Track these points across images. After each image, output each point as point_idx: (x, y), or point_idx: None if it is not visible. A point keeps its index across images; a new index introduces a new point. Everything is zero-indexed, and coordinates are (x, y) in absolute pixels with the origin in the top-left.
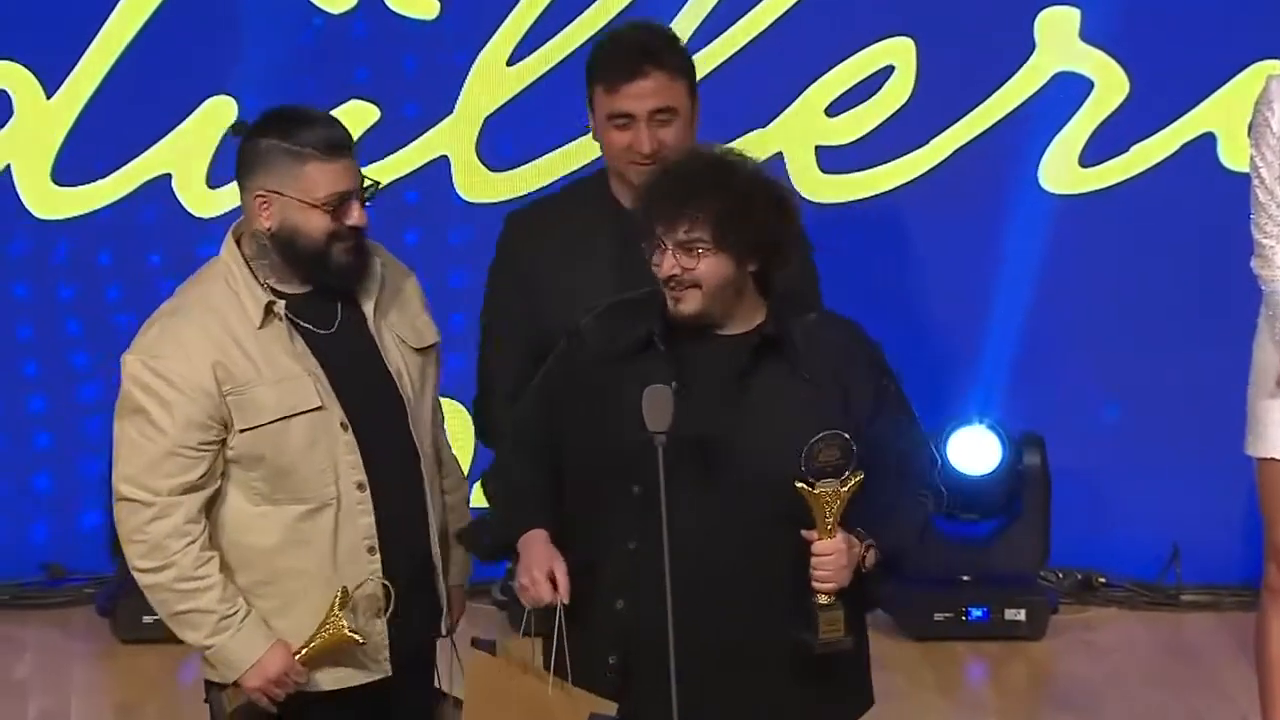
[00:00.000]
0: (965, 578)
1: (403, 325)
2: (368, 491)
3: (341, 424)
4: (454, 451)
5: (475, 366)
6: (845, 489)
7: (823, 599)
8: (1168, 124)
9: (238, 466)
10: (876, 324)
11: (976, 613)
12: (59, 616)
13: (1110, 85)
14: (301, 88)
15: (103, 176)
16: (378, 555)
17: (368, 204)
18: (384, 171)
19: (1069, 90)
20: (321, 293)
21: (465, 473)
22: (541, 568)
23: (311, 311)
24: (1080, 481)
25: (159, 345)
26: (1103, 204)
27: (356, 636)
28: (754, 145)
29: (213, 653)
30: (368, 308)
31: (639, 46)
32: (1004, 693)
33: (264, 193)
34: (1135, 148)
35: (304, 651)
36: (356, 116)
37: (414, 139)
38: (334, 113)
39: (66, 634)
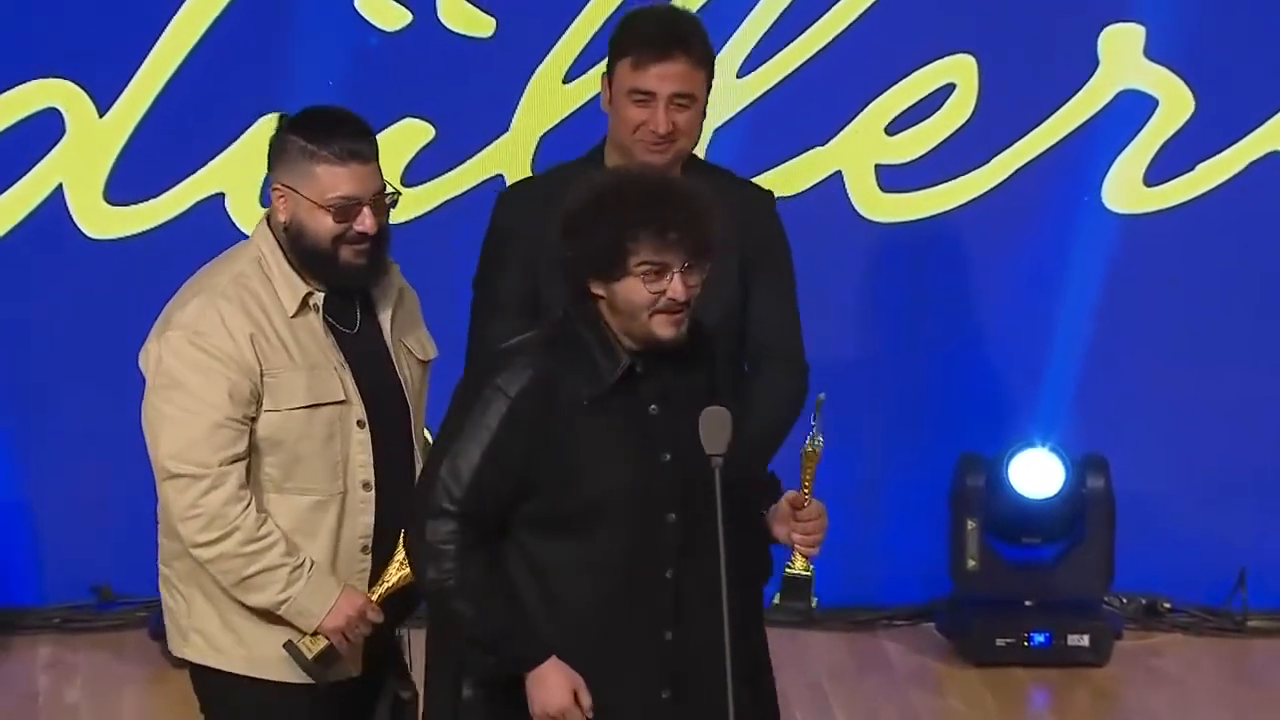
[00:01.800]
0: (1028, 602)
1: (411, 338)
2: (373, 491)
3: (359, 422)
4: None
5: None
6: (815, 449)
7: (800, 566)
8: (1234, 142)
9: (255, 450)
10: (936, 345)
11: (1039, 638)
12: (111, 640)
13: (1175, 103)
14: (356, 105)
15: (155, 196)
16: (369, 556)
17: (392, 206)
18: (439, 191)
19: (1133, 108)
20: (342, 295)
21: None
22: (565, 696)
23: (334, 311)
24: (1145, 504)
25: (200, 321)
26: (1167, 223)
27: None
28: (813, 164)
29: (289, 605)
30: (384, 317)
31: (672, 28)
32: (1066, 719)
33: (281, 187)
34: (1201, 166)
35: (379, 591)
36: (411, 135)
37: (469, 158)
38: (388, 131)
39: (118, 657)
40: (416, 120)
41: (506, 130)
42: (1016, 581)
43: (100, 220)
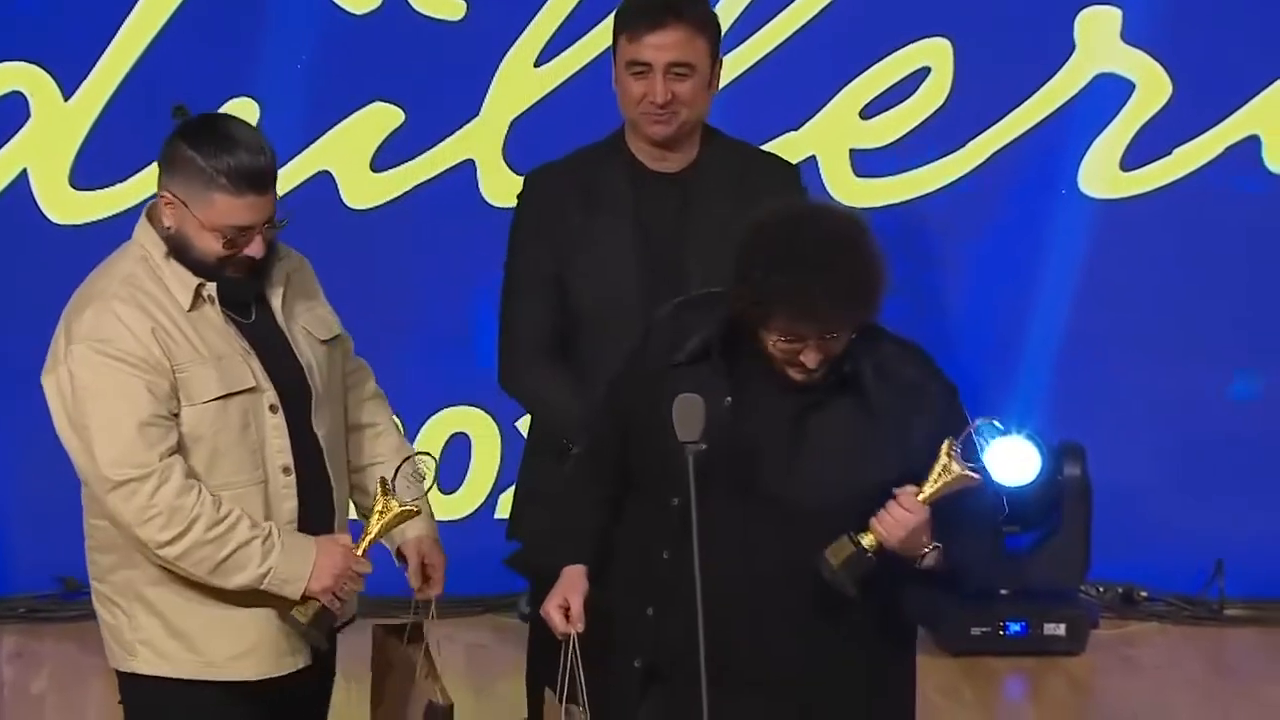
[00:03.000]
0: (1004, 591)
1: (309, 318)
2: (293, 476)
3: (271, 406)
4: (395, 420)
5: (499, 315)
6: (963, 472)
7: (866, 539)
8: (1211, 126)
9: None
10: (912, 330)
11: (1015, 627)
12: (76, 630)
13: (1152, 87)
14: (324, 90)
15: (122, 180)
16: None
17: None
18: (409, 175)
19: (1110, 92)
20: (232, 286)
21: (493, 477)
22: (556, 598)
23: (229, 301)
24: (1122, 492)
25: (100, 328)
26: (1145, 208)
27: (412, 506)
28: (787, 148)
29: (272, 577)
30: (275, 303)
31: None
32: (1043, 709)
33: (171, 196)
34: (1178, 151)
35: (362, 543)
36: (381, 119)
37: (439, 142)
38: (358, 115)
39: (84, 648)
40: (386, 104)
41: (477, 114)
42: (992, 570)
43: (66, 206)
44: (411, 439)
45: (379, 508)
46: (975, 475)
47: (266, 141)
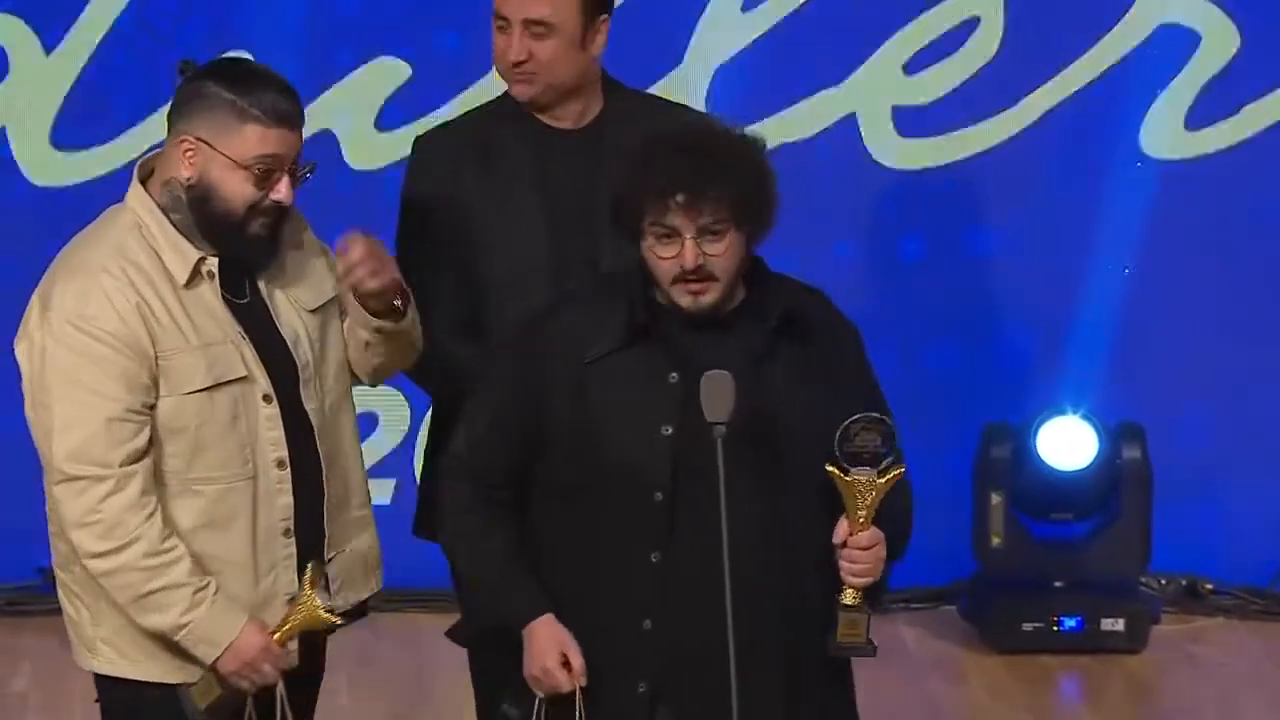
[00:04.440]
0: (1057, 584)
1: (300, 287)
2: (288, 470)
3: (265, 397)
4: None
5: None
6: (884, 480)
7: (849, 597)
8: (1277, 87)
9: (154, 441)
10: (958, 304)
11: (1070, 622)
12: (59, 624)
13: (1219, 39)
14: (324, 43)
15: (106, 141)
16: (293, 539)
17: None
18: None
19: (1173, 45)
20: (233, 259)
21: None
22: (552, 656)
23: (226, 278)
24: (1185, 477)
25: (85, 303)
26: (1211, 171)
27: (333, 618)
28: (824, 106)
29: (189, 631)
30: (262, 280)
31: None
32: (1100, 711)
33: (192, 140)
34: (1246, 109)
35: (279, 633)
36: (385, 75)
37: (448, 100)
38: (360, 71)
39: (67, 643)
40: (391, 59)
41: (489, 70)
42: (1045, 561)
43: (46, 167)
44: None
45: (300, 599)
46: (900, 470)
47: (287, 80)
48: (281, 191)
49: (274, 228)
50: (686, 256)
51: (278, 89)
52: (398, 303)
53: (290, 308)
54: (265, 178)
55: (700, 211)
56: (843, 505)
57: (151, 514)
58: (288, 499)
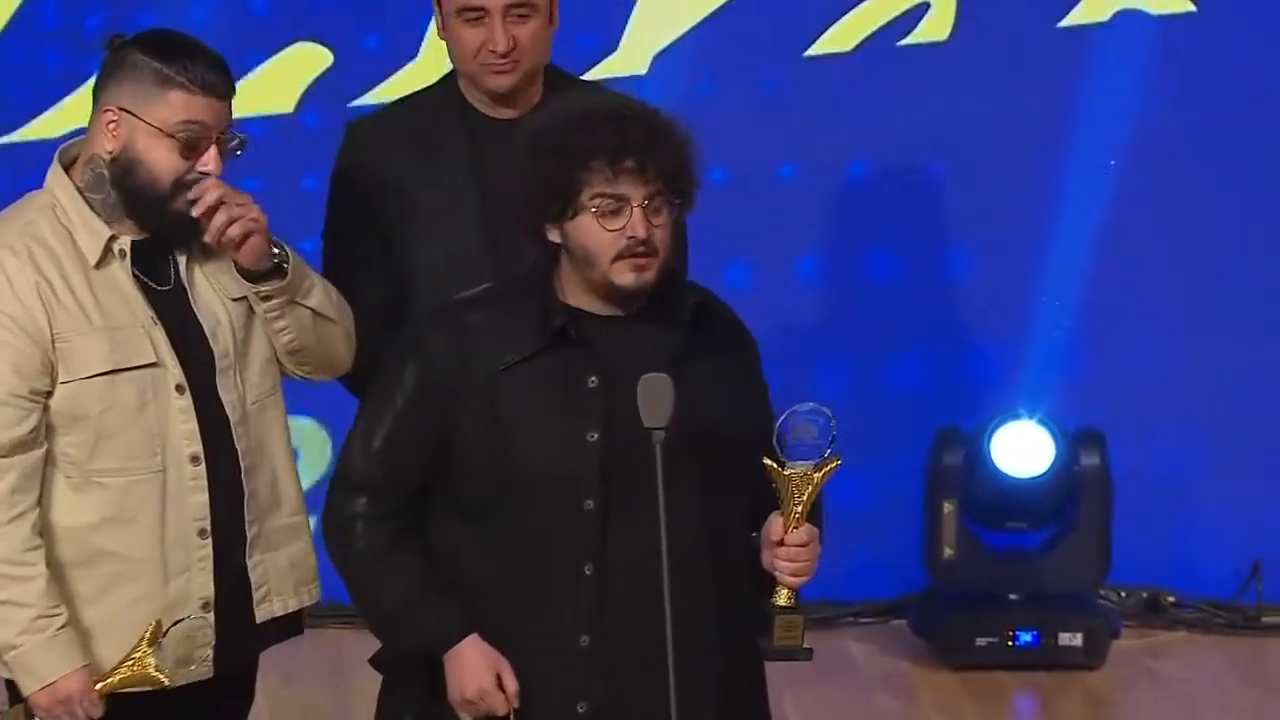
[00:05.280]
0: (1012, 596)
1: (224, 272)
2: (203, 465)
3: (178, 386)
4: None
5: None
6: (820, 474)
7: (784, 598)
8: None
9: (53, 429)
10: (906, 299)
11: (1025, 637)
12: None
13: (1179, 21)
14: (241, 27)
15: (12, 131)
16: (209, 541)
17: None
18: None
19: (1133, 30)
20: (156, 243)
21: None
22: (488, 677)
23: (146, 262)
24: (1146, 485)
25: None
26: (1177, 160)
27: (163, 677)
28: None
29: (16, 655)
30: (180, 255)
31: None
32: None
33: (115, 110)
34: (1209, 92)
35: (101, 684)
36: (305, 61)
37: (373, 86)
38: (279, 56)
39: None
40: (311, 44)
41: (416, 56)
42: (999, 572)
43: None
44: None
45: (133, 654)
46: (837, 462)
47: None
48: (209, 162)
49: (200, 207)
50: (637, 225)
51: (206, 57)
52: (278, 259)
53: (212, 293)
54: (191, 148)
55: (648, 178)
56: (776, 502)
57: (18, 517)
58: (202, 497)
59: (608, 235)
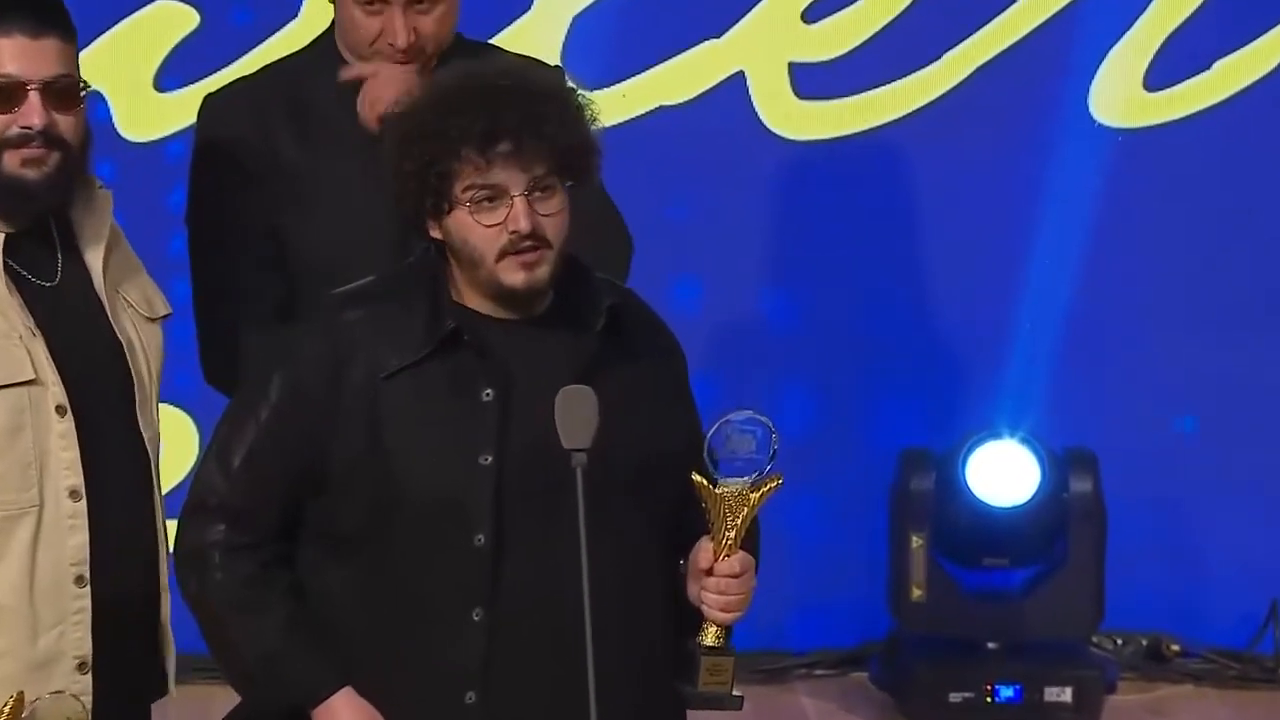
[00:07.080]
0: (991, 645)
1: (133, 289)
2: (83, 502)
3: (58, 408)
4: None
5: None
6: (758, 494)
7: (712, 637)
8: (1258, 36)
9: None
10: (871, 303)
11: (1007, 691)
12: None
13: None
14: None
15: None
16: (88, 589)
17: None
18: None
19: None
20: (37, 236)
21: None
22: None
23: (25, 257)
24: (1146, 515)
25: None
26: (1175, 140)
27: None
28: (706, 62)
29: None
30: (94, 261)
31: None
32: None
33: None
34: (1218, 65)
35: None
36: (167, 22)
37: (245, 52)
38: (137, 16)
39: None
40: (174, 3)
41: (296, 16)
42: (976, 617)
43: None
44: None
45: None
46: (778, 481)
47: None
48: (31, 116)
49: (46, 163)
50: (518, 218)
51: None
52: None
53: (129, 312)
54: (6, 100)
55: (529, 162)
56: (706, 525)
57: None
58: (82, 538)
59: (487, 231)
